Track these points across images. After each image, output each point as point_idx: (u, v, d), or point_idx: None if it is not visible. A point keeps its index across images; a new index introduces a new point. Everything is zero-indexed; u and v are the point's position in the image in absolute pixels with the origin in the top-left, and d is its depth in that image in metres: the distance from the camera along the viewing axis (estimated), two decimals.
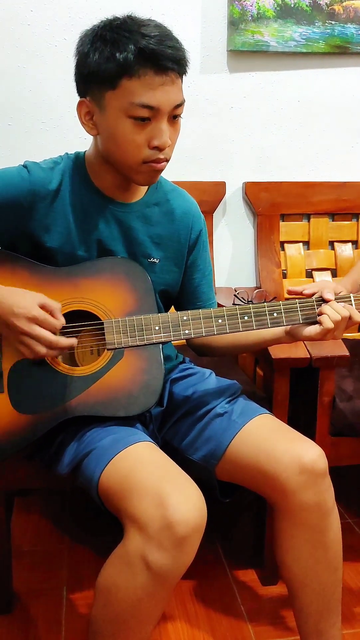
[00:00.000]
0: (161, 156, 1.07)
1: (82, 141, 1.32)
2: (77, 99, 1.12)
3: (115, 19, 1.05)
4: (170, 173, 1.25)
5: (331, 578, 1.12)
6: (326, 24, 1.82)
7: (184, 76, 1.08)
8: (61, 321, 1.05)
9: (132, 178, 1.12)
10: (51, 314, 1.03)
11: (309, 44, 1.83)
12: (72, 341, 1.05)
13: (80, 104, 1.10)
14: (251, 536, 1.62)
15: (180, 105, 1.07)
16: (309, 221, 1.95)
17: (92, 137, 1.14)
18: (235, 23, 1.77)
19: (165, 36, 1.03)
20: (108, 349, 1.11)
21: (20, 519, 1.77)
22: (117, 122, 1.05)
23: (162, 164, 1.09)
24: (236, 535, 1.71)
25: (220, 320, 1.14)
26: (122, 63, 1.01)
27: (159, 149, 1.06)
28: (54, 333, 1.03)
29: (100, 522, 1.62)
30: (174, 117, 1.07)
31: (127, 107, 1.03)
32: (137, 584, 0.93)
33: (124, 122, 1.04)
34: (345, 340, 1.47)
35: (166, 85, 1.03)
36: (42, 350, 1.02)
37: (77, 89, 1.11)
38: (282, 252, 1.94)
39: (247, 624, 1.40)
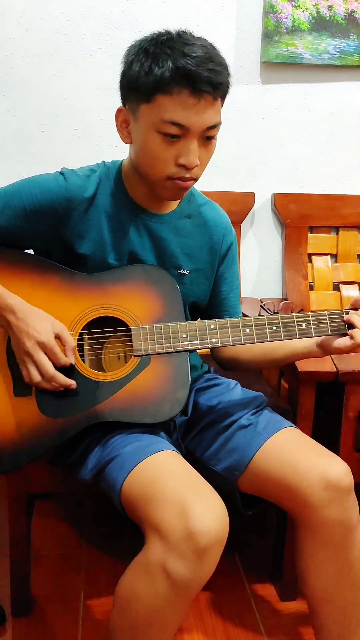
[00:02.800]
0: (187, 175, 1.07)
1: (114, 149, 1.33)
2: (109, 108, 1.13)
3: (165, 33, 1.05)
4: (201, 183, 1.25)
5: (354, 597, 1.10)
6: None
7: (224, 99, 1.07)
8: (69, 360, 1.07)
9: (157, 192, 1.12)
10: (63, 349, 1.05)
11: (343, 57, 1.82)
12: (68, 382, 1.07)
13: (118, 111, 1.11)
14: (271, 549, 1.60)
15: (214, 127, 1.06)
16: (337, 234, 1.94)
17: (127, 146, 1.15)
18: (269, 35, 1.78)
19: (206, 58, 1.01)
20: (135, 356, 1.11)
21: (40, 522, 1.77)
22: (148, 135, 1.05)
23: (188, 182, 1.09)
24: (255, 548, 1.69)
25: (248, 330, 1.13)
26: (158, 79, 1.01)
27: (186, 167, 1.06)
28: (56, 367, 1.05)
29: (119, 527, 1.62)
30: (207, 138, 1.07)
31: (158, 122, 1.03)
32: (157, 593, 0.93)
33: (153, 136, 1.05)
34: None
35: (200, 107, 1.02)
36: (37, 377, 1.05)
37: (121, 96, 1.12)
38: (309, 264, 1.93)
39: (264, 639, 1.39)
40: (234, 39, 1.80)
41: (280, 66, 1.82)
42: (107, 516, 1.81)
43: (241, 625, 1.43)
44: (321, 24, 1.79)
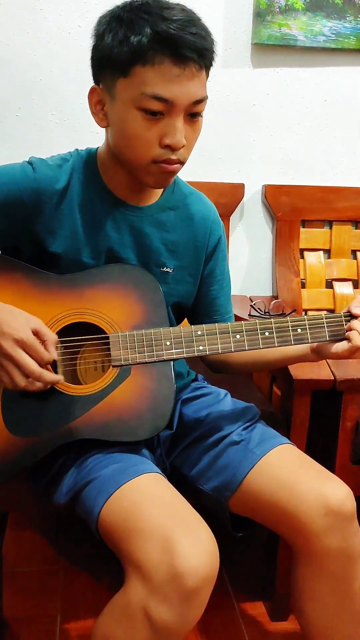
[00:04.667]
0: (173, 157, 0.96)
1: (95, 136, 1.22)
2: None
3: None
4: (186, 173, 1.14)
5: (354, 632, 1.01)
6: (358, 19, 1.70)
7: (209, 70, 0.97)
8: (52, 355, 0.94)
9: (141, 179, 1.01)
10: (44, 344, 0.93)
11: (339, 40, 1.71)
12: (57, 378, 0.95)
13: (91, 91, 1.00)
14: (261, 566, 1.51)
15: (200, 101, 0.95)
16: (330, 228, 1.84)
17: (105, 132, 1.03)
18: (261, 14, 1.66)
19: (189, 22, 0.91)
20: (114, 366, 1.00)
21: (14, 536, 1.66)
22: (127, 114, 0.94)
23: (175, 166, 0.98)
24: (245, 564, 1.59)
25: (238, 336, 1.03)
26: (135, 47, 0.90)
27: (172, 148, 0.95)
28: (41, 366, 0.93)
29: (98, 544, 1.53)
30: (192, 115, 0.96)
31: (138, 97, 0.92)
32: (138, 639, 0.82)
33: (134, 114, 0.93)
34: None
35: (185, 78, 0.91)
36: (21, 381, 0.92)
37: (92, 75, 1.01)
38: (301, 260, 1.83)
39: None
40: (223, 18, 1.68)
41: (272, 48, 1.71)
42: (88, 529, 1.70)
43: None
44: (316, 4, 1.68)
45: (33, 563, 1.58)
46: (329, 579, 0.98)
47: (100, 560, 1.53)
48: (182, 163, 0.99)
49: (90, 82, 1.02)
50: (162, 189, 1.10)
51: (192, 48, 0.90)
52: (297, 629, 1.36)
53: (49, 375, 0.94)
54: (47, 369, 0.95)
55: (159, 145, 0.95)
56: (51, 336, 0.95)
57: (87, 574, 1.53)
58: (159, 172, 0.98)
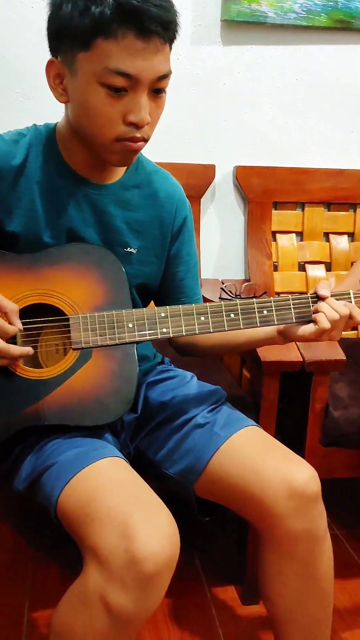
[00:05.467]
0: (138, 134, 0.92)
1: (61, 114, 1.17)
2: None
3: None
4: (155, 153, 1.11)
5: (321, 614, 1.00)
6: None
7: (172, 44, 0.93)
8: (17, 326, 0.91)
9: (104, 157, 0.97)
10: (6, 317, 0.89)
11: (310, 17, 1.68)
12: (25, 350, 0.92)
13: (49, 64, 0.95)
14: (232, 551, 1.50)
15: (164, 77, 0.91)
16: (303, 210, 1.82)
17: (64, 107, 0.99)
18: None
19: None
20: (74, 349, 0.97)
21: None
22: (89, 89, 0.90)
23: (139, 143, 0.94)
24: (217, 549, 1.58)
25: (202, 318, 1.00)
26: (97, 19, 0.86)
27: (136, 125, 0.91)
28: (5, 340, 0.89)
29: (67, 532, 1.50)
30: (156, 91, 0.92)
31: (101, 72, 0.88)
32: (96, 628, 0.80)
33: (96, 90, 0.89)
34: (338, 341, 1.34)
35: (149, 52, 0.88)
36: None
37: (49, 47, 0.96)
38: (273, 243, 1.80)
39: None
40: None
41: (242, 25, 1.67)
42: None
43: (199, 633, 1.33)
44: None
45: (0, 552, 1.55)
46: (294, 561, 0.97)
47: (69, 548, 1.51)
48: (146, 141, 0.95)
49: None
50: (125, 167, 1.07)
51: (156, 21, 0.87)
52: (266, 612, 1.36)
53: (17, 349, 0.91)
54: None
55: (122, 122, 0.92)
56: (11, 306, 0.91)
57: (56, 563, 1.51)
58: (123, 150, 0.95)
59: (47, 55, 0.98)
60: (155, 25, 0.87)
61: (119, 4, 0.85)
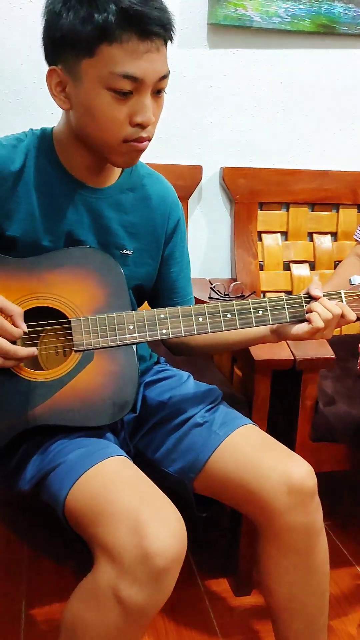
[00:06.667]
0: (144, 134, 0.95)
1: (50, 116, 1.19)
2: (44, 69, 0.97)
3: None
4: (142, 155, 1.13)
5: (317, 603, 1.04)
6: (312, 1, 1.71)
7: (167, 44, 0.95)
8: (22, 329, 0.93)
9: (111, 159, 0.99)
10: (11, 319, 0.91)
11: (294, 22, 1.71)
12: (31, 351, 0.94)
13: (50, 73, 0.96)
14: (224, 544, 1.54)
15: (165, 77, 0.94)
16: (287, 211, 1.86)
17: (62, 111, 1.01)
18: None
19: None
20: (76, 351, 0.99)
21: None
22: (95, 95, 0.91)
23: (145, 143, 0.97)
24: (209, 543, 1.62)
25: (201, 319, 1.03)
26: (101, 26, 0.87)
27: (142, 126, 0.94)
28: (12, 342, 0.91)
29: (63, 529, 1.53)
30: (157, 92, 0.95)
31: (107, 77, 0.90)
32: (108, 621, 0.83)
33: (102, 95, 0.91)
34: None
35: (152, 53, 0.90)
36: None
37: (45, 55, 0.97)
38: (259, 243, 1.84)
39: None
40: None
41: (228, 29, 1.70)
42: (52, 515, 1.69)
43: (195, 626, 1.36)
44: None
45: None
46: (292, 554, 1.01)
47: (65, 545, 1.53)
48: (149, 140, 0.98)
49: (43, 60, 0.98)
50: (120, 170, 1.09)
51: (157, 23, 0.89)
52: (260, 602, 1.41)
53: (23, 350, 0.93)
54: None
55: (129, 124, 0.94)
56: (16, 309, 0.93)
57: (51, 559, 1.53)
58: (130, 151, 0.97)
59: (37, 56, 0.98)
60: (157, 27, 0.89)
61: (122, 9, 0.87)
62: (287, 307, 1.05)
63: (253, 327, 1.04)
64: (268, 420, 1.34)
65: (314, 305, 1.03)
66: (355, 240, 1.57)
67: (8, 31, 1.59)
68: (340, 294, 1.07)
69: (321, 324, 1.02)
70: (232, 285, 1.72)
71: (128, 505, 0.85)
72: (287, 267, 1.87)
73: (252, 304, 1.05)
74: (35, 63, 1.59)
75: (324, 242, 1.89)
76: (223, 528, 1.56)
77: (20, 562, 1.53)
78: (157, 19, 0.88)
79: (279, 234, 1.86)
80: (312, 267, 1.89)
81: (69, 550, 1.51)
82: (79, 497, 0.89)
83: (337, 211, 1.89)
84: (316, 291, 1.05)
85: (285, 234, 1.87)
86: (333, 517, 1.73)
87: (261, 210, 1.83)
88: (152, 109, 0.93)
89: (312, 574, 1.02)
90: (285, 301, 1.06)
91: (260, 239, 1.84)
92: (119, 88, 0.90)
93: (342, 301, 1.06)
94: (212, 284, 1.70)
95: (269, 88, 1.78)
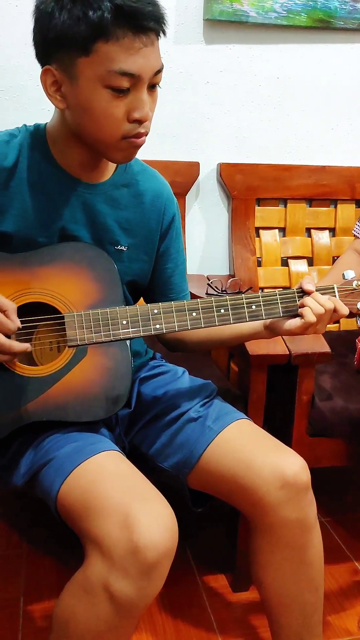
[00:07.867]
0: (142, 130, 0.95)
1: (46, 113, 1.18)
2: (39, 67, 0.97)
3: None
4: (139, 151, 1.13)
5: (312, 598, 1.04)
6: None
7: (161, 38, 0.96)
8: (16, 324, 0.93)
9: (109, 156, 1.00)
10: (5, 314, 0.91)
11: (290, 17, 1.71)
12: (25, 346, 0.94)
13: (45, 73, 0.95)
14: (222, 540, 1.54)
15: (160, 71, 0.94)
16: (285, 207, 1.85)
17: (57, 110, 1.00)
18: None
19: None
20: (69, 346, 0.99)
21: None
22: (93, 94, 0.91)
23: (142, 138, 0.97)
24: (206, 539, 1.62)
25: (194, 314, 1.03)
26: (96, 24, 0.87)
27: (140, 122, 0.94)
28: (7, 336, 0.91)
29: (62, 527, 1.53)
30: (152, 87, 0.95)
31: (105, 75, 0.89)
32: (99, 615, 0.83)
33: (100, 93, 0.91)
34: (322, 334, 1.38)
35: (147, 48, 0.90)
36: None
37: (36, 55, 0.97)
38: (257, 239, 1.84)
39: (217, 636, 1.32)
40: None
41: (224, 25, 1.70)
42: (50, 512, 1.69)
43: (192, 621, 1.36)
44: None
45: None
46: (285, 548, 1.01)
47: (64, 542, 1.53)
48: (146, 135, 0.98)
49: None
50: (114, 166, 1.09)
51: (152, 18, 0.89)
52: (257, 598, 1.40)
53: (18, 346, 0.93)
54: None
55: (127, 120, 0.94)
56: (10, 305, 0.93)
57: (50, 556, 1.53)
58: (129, 147, 0.97)
59: (33, 53, 0.98)
60: (152, 23, 0.89)
61: (117, 6, 0.86)
62: (280, 302, 1.05)
63: (246, 322, 1.04)
64: (265, 416, 1.34)
65: (306, 299, 1.03)
66: (354, 235, 1.57)
67: (3, 28, 1.59)
68: (333, 288, 1.07)
69: (313, 319, 1.01)
70: (229, 281, 1.72)
71: (118, 499, 0.85)
72: (285, 263, 1.87)
73: (245, 299, 1.04)
74: (31, 60, 1.59)
75: (322, 238, 1.89)
76: (220, 523, 1.55)
77: (19, 558, 1.53)
78: (150, 14, 0.88)
79: (276, 230, 1.85)
80: (310, 263, 1.88)
81: (67, 547, 1.51)
82: (71, 492, 0.90)
83: (335, 207, 1.88)
84: (308, 285, 1.04)
85: (283, 230, 1.86)
86: (332, 513, 1.73)
87: (259, 206, 1.83)
88: (148, 104, 0.94)
89: (306, 568, 1.02)
90: (278, 296, 1.05)
91: (258, 235, 1.84)
92: (117, 85, 0.90)
93: (335, 296, 1.06)
94: (209, 280, 1.71)
95: (265, 83, 1.78)
